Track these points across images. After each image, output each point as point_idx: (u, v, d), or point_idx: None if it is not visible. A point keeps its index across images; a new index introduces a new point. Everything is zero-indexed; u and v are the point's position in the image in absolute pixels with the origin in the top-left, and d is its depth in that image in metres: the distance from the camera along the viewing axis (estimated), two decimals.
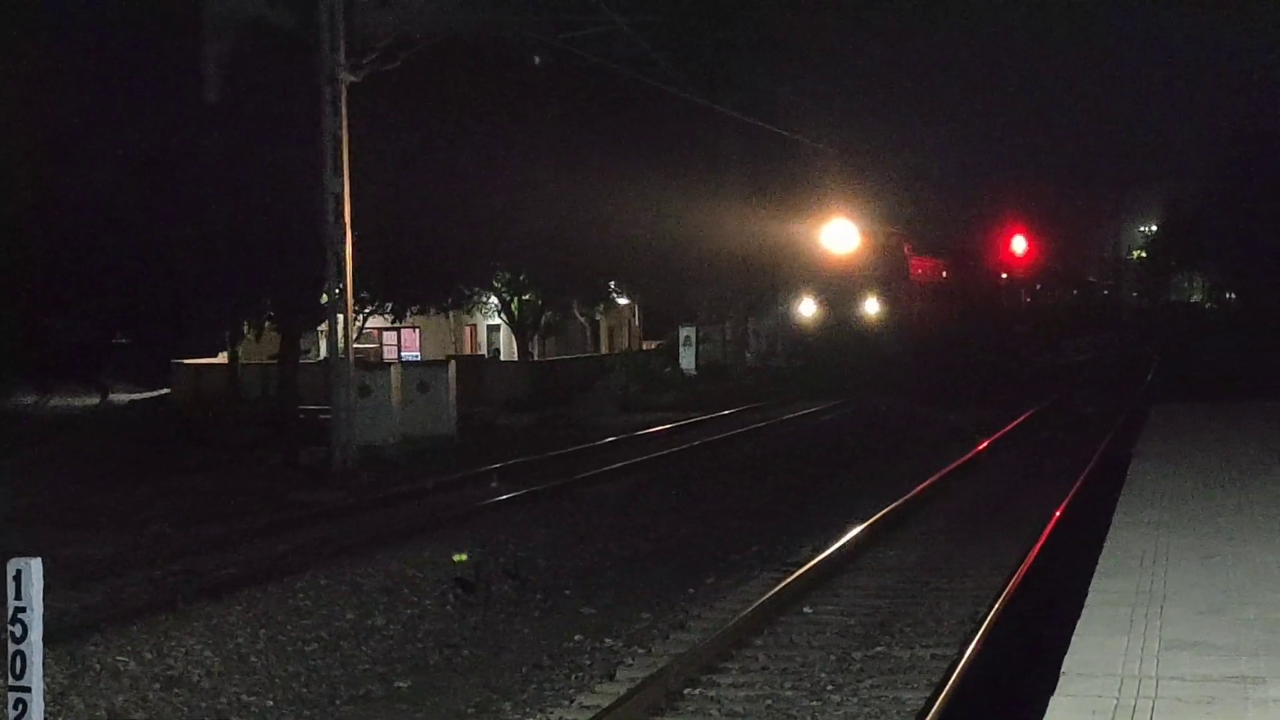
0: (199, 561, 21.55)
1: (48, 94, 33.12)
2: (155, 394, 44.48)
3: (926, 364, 61.32)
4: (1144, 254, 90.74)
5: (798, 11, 67.62)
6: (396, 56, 33.73)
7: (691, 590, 20.61)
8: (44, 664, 11.68)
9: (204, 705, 15.36)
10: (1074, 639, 11.48)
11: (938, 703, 14.22)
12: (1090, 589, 13.30)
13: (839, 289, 65.20)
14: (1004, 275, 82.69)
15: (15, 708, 11.65)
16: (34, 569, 11.73)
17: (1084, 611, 12.40)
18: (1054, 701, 9.79)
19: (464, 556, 22.10)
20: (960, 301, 72.87)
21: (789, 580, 20.01)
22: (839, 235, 62.92)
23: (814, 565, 21.08)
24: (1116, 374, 68.40)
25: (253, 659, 16.71)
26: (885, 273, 64.51)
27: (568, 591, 20.73)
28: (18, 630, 11.53)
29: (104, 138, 34.70)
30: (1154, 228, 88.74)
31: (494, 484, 31.31)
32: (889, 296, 64.97)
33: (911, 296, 67.04)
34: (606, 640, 17.85)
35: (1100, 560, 14.67)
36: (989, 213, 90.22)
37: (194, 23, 38.38)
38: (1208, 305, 75.13)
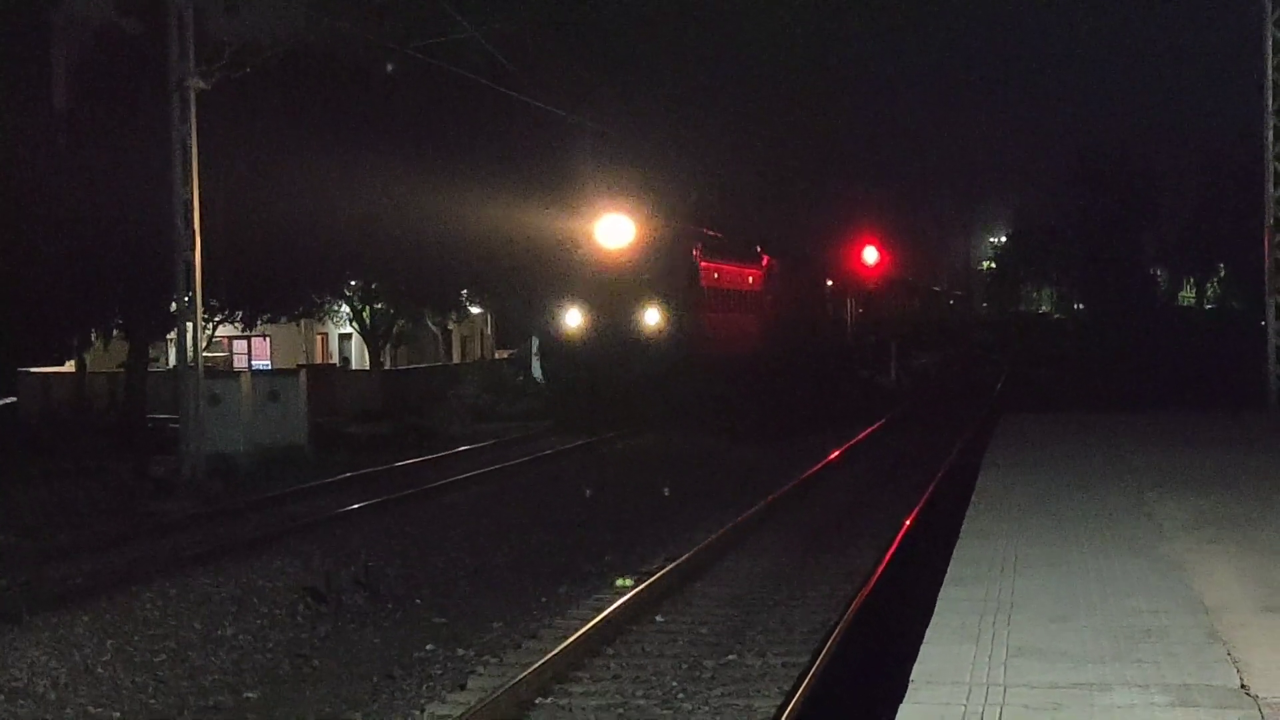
0: (43, 571, 21.30)
1: None
2: (1, 402, 43.99)
3: (726, 385, 50.34)
4: (993, 264, 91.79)
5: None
6: (245, 63, 33.53)
7: (544, 599, 20.59)
8: None
9: (49, 717, 15.21)
10: (923, 647, 11.39)
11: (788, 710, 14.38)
12: (939, 597, 13.27)
13: (600, 293, 50.51)
14: (830, 283, 73.82)
15: None
16: None
17: (933, 619, 12.37)
18: (903, 710, 9.69)
19: None
20: (771, 313, 59.92)
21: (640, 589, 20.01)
22: (606, 229, 50.99)
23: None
24: (961, 387, 65.29)
25: (99, 670, 16.50)
26: (663, 276, 50.38)
27: (419, 601, 20.72)
28: None
29: None
30: (1003, 239, 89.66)
31: (343, 493, 31.21)
32: (669, 304, 50.26)
33: (700, 306, 52.32)
34: (458, 650, 17.83)
35: (949, 569, 14.68)
36: (825, 217, 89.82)
37: (41, 30, 38.04)
38: (1055, 316, 76.10)
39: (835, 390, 62.36)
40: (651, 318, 46.13)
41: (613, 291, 45.95)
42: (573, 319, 48.28)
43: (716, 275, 51.03)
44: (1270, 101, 31.37)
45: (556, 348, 48.53)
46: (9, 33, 36.20)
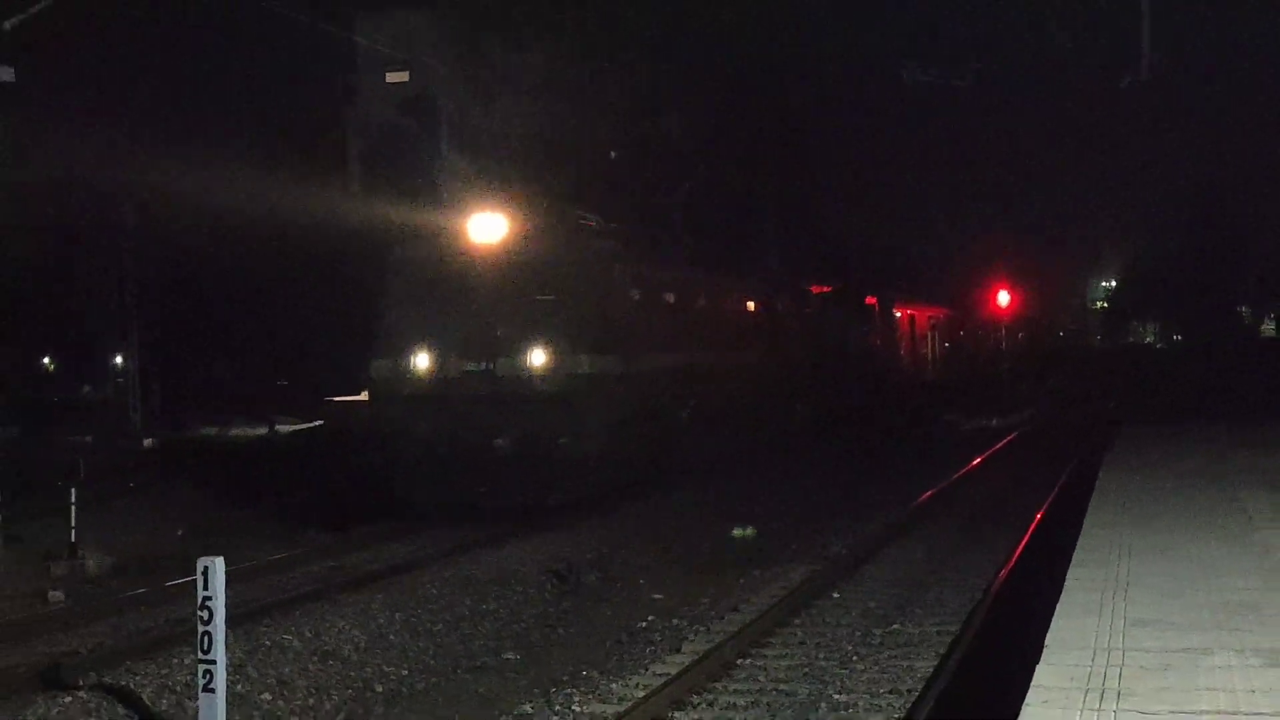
0: (347, 560, 21.73)
1: None
2: (311, 425, 44.62)
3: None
4: (1105, 304, 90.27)
5: None
6: None
7: (742, 580, 20.43)
8: (225, 642, 12.27)
9: (353, 675, 15.57)
10: (1054, 619, 11.43)
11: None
12: (1068, 577, 13.30)
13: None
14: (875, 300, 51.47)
15: (204, 677, 12.28)
16: (218, 566, 12.42)
17: (1062, 596, 12.38)
18: (1039, 670, 9.79)
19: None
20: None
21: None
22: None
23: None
24: (1084, 403, 56.61)
25: (391, 637, 16.89)
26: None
27: (642, 582, 20.67)
28: (205, 615, 12.19)
29: None
30: (1114, 283, 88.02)
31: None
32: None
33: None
34: (673, 620, 17.98)
35: (1075, 554, 14.70)
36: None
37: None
38: (1157, 345, 74.74)
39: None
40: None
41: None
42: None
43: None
44: None
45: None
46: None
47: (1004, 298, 70.80)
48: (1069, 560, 14.30)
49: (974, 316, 68.59)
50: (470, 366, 23.11)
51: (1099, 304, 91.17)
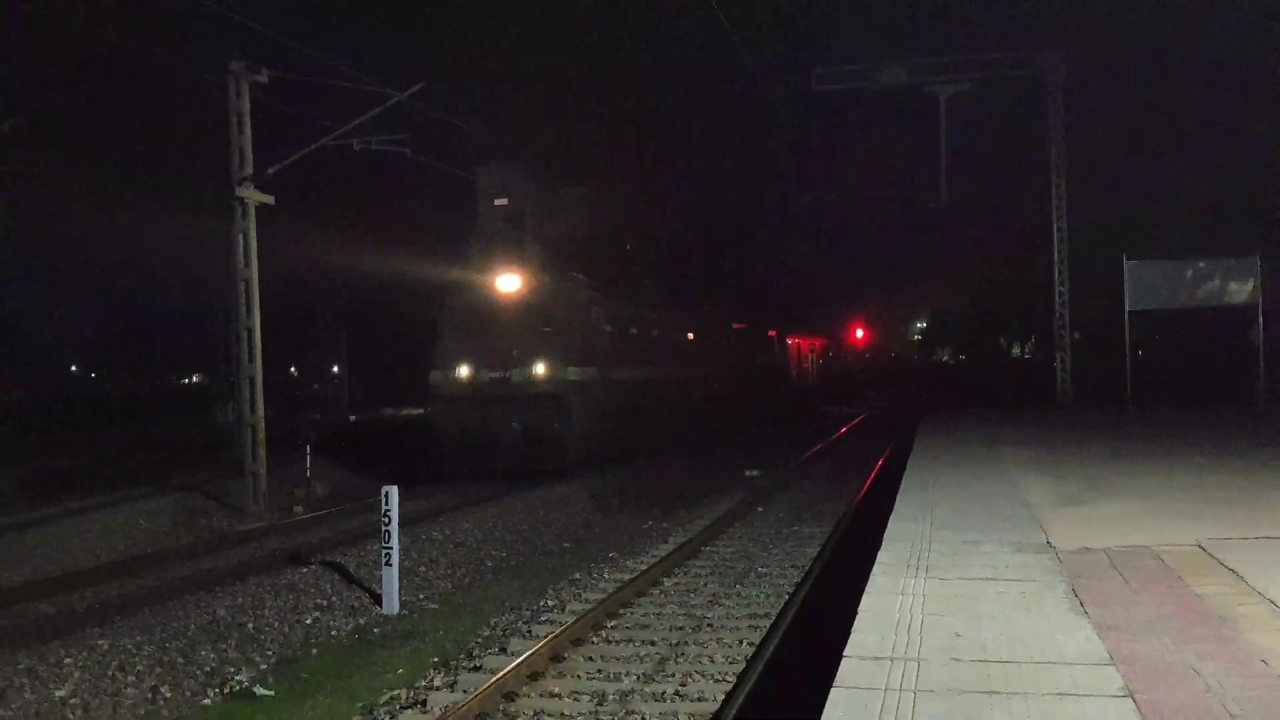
0: (465, 491, 21.14)
1: None
2: (417, 411, 43.94)
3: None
4: (919, 337, 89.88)
5: None
6: None
7: (705, 501, 20.62)
8: (397, 536, 12.61)
9: (473, 556, 15.67)
10: (889, 525, 11.49)
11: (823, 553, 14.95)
12: (896, 500, 13.29)
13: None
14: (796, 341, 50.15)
15: (384, 557, 12.66)
16: (393, 491, 12.81)
17: (893, 511, 12.40)
18: (881, 554, 9.88)
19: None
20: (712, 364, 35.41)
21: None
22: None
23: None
24: (901, 404, 52.66)
25: (496, 533, 17.06)
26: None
27: (645, 503, 20.42)
28: (385, 520, 12.62)
29: None
30: (923, 324, 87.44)
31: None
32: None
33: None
34: (664, 524, 18.24)
35: (900, 487, 14.73)
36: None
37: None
38: (950, 362, 74.53)
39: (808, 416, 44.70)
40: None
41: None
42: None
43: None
44: (1059, 207, 30.57)
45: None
46: None
47: (859, 332, 71.16)
48: (897, 489, 14.33)
49: (842, 344, 68.41)
50: (494, 375, 22.56)
51: (916, 336, 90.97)
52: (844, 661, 6.75)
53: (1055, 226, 30.35)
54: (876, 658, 6.81)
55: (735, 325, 39.16)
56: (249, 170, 19.01)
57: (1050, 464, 16.70)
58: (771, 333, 44.41)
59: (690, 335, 32.66)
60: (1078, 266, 30.86)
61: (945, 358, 78.00)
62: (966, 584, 8.72)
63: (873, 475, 22.63)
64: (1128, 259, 27.86)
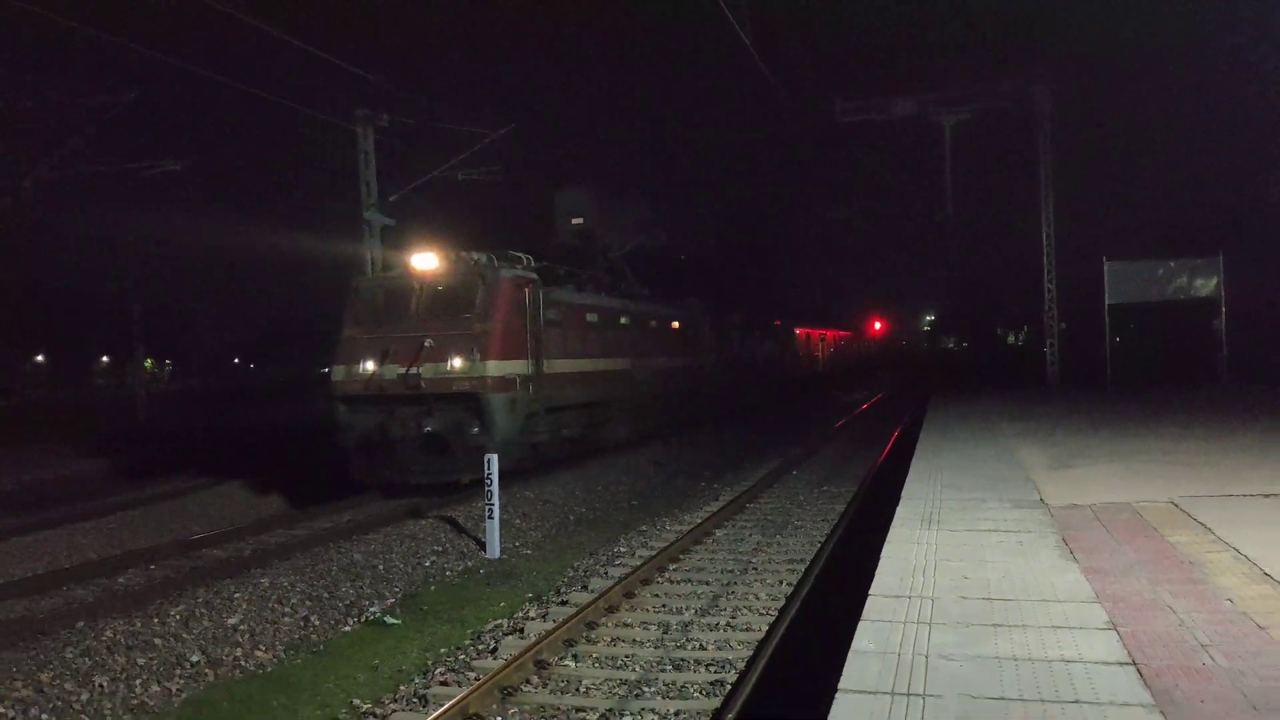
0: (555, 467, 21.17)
1: None
2: None
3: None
4: (928, 327, 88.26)
5: None
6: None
7: (748, 465, 20.43)
8: (498, 495, 12.72)
9: (558, 511, 15.64)
10: (905, 485, 11.32)
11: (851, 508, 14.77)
12: (911, 465, 13.09)
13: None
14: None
15: (487, 511, 12.74)
16: (494, 458, 12.89)
17: (908, 474, 12.20)
18: (899, 510, 9.78)
19: None
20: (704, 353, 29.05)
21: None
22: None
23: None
24: (914, 385, 49.51)
25: (576, 492, 16.95)
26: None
27: (699, 468, 20.36)
28: (488, 481, 12.72)
29: None
30: (932, 315, 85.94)
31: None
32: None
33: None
34: (715, 485, 18.06)
35: (915, 453, 14.69)
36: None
37: None
38: (954, 349, 73.13)
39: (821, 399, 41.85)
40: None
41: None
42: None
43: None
44: (1047, 218, 30.04)
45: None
46: None
47: (877, 324, 70.38)
48: (911, 456, 14.14)
49: (863, 334, 67.28)
50: (402, 371, 15.96)
51: (925, 328, 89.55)
52: (869, 599, 6.75)
53: (1045, 233, 29.84)
54: (897, 596, 6.80)
55: (734, 314, 34.46)
56: (374, 198, 19.25)
57: (1041, 435, 16.38)
58: (777, 323, 42.43)
59: (676, 324, 26.02)
60: (1063, 266, 30.34)
61: (951, 345, 76.81)
62: (972, 534, 8.65)
63: (889, 445, 22.36)
64: (1107, 259, 27.41)
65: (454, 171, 20.39)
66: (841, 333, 55.66)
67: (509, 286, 16.73)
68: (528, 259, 18.28)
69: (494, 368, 16.06)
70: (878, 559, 7.84)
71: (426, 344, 15.97)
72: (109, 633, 9.00)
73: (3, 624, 9.51)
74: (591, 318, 19.92)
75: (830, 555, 11.80)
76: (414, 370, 16.00)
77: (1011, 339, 66.86)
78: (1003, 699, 4.97)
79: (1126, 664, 5.36)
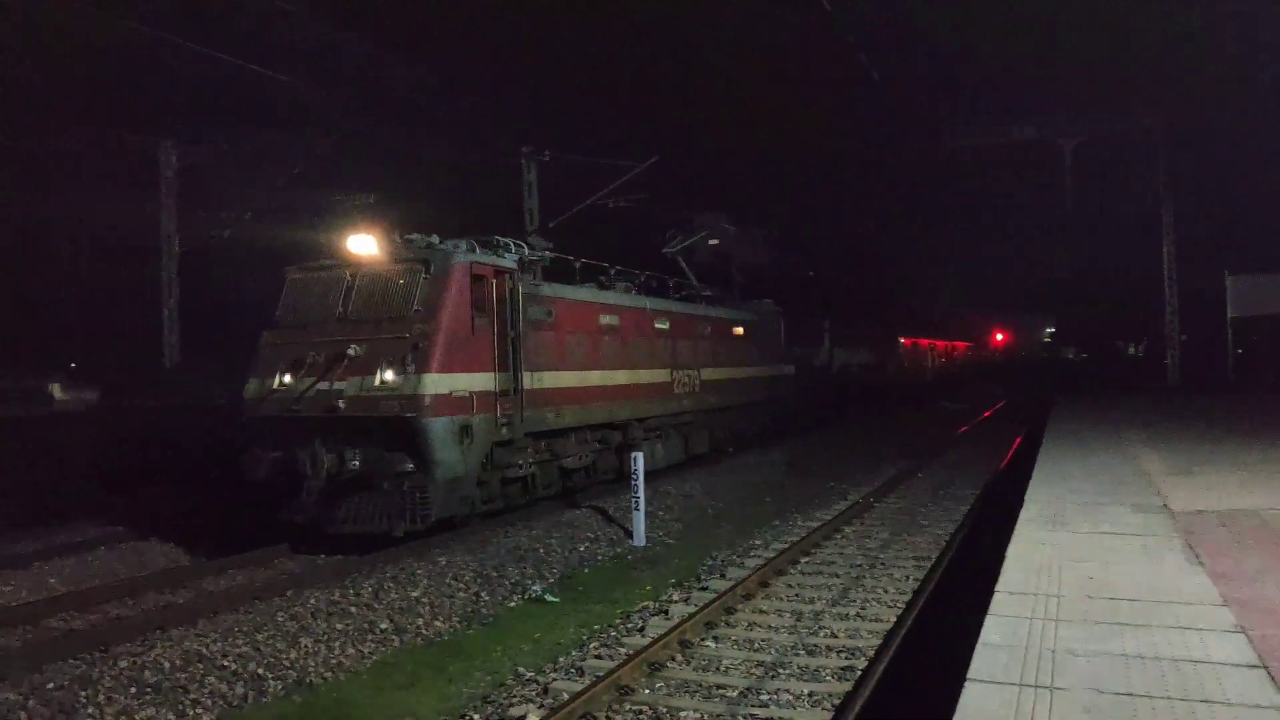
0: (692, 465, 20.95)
1: None
2: None
3: None
4: (1048, 339, 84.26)
5: None
6: None
7: (874, 469, 19.76)
8: (643, 489, 12.74)
9: (697, 504, 15.57)
10: (1029, 488, 10.89)
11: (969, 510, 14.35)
12: (1034, 470, 12.62)
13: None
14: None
15: (634, 503, 12.79)
16: (640, 456, 12.95)
17: (1032, 478, 11.75)
18: (1022, 511, 9.45)
19: None
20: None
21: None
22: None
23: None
24: (1035, 389, 45.72)
25: (714, 488, 16.81)
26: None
27: (824, 471, 19.51)
28: (634, 476, 12.73)
29: None
30: (1052, 329, 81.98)
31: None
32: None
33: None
34: (841, 486, 17.63)
35: (1038, 459, 14.09)
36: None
37: None
38: (1074, 359, 69.50)
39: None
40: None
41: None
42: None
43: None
44: (1168, 233, 28.20)
45: None
46: None
47: (999, 336, 67.83)
48: (1034, 462, 13.60)
49: (982, 344, 64.80)
50: (322, 386, 11.25)
51: (1045, 339, 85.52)
52: (996, 595, 6.52)
53: (1165, 250, 28.19)
54: (1023, 593, 6.55)
55: (823, 319, 32.22)
56: (535, 224, 19.77)
57: (1163, 442, 15.57)
58: (880, 331, 40.23)
59: (740, 329, 21.14)
60: (1183, 278, 28.61)
61: (1071, 355, 73.22)
62: (1096, 537, 8.25)
63: (1010, 451, 21.50)
64: (1229, 273, 25.70)
65: (605, 200, 20.73)
66: (959, 343, 53.47)
67: (462, 275, 11.68)
68: (518, 245, 13.61)
69: (434, 382, 11.06)
70: (1002, 558, 7.57)
71: (350, 352, 11.22)
72: (312, 601, 9.51)
73: (224, 591, 10.17)
74: (608, 320, 15.29)
75: (955, 553, 11.44)
76: (333, 385, 11.22)
77: (1131, 350, 63.24)
78: (1130, 695, 4.73)
79: (1257, 666, 5.02)
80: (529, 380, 12.94)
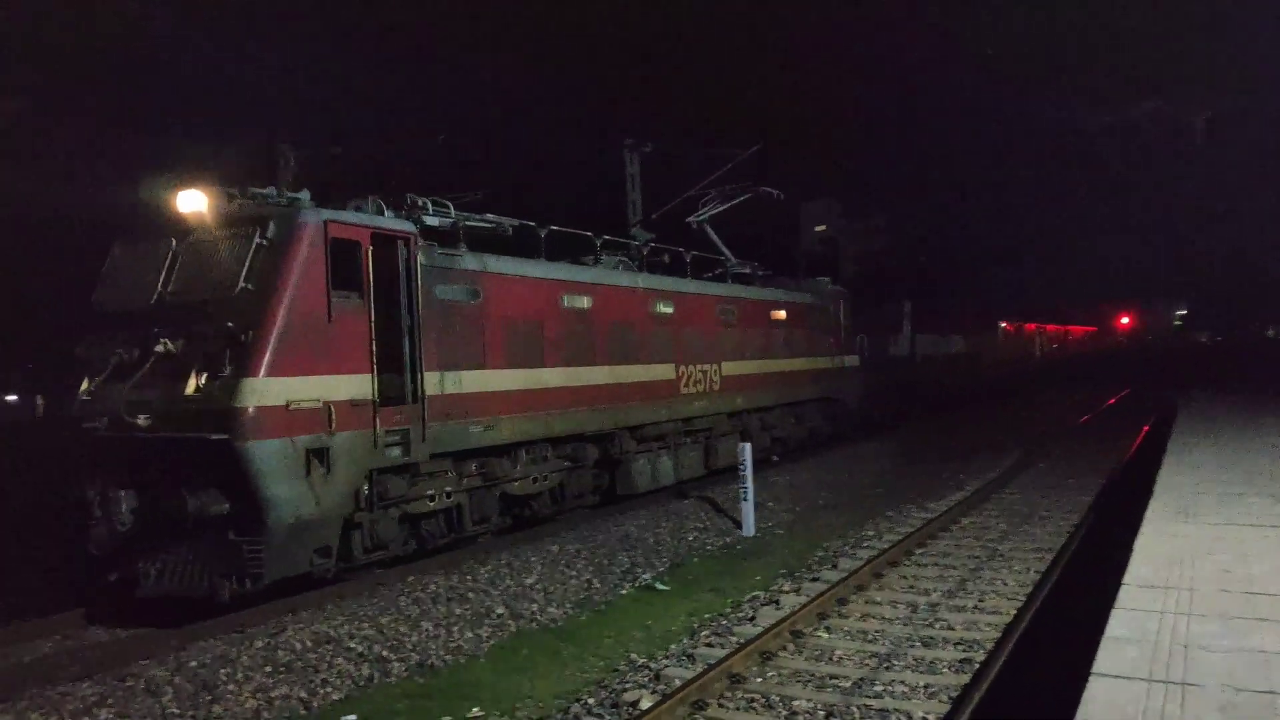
0: (797, 458, 20.05)
1: None
2: None
3: None
4: (1180, 322, 79.88)
5: None
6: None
7: (981, 459, 18.99)
8: (752, 478, 12.71)
9: (806, 495, 15.48)
10: (1159, 476, 10.71)
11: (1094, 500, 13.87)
12: (1163, 460, 12.27)
13: None
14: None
15: (742, 493, 12.80)
16: (748, 446, 12.92)
17: (1161, 469, 11.46)
18: (1151, 504, 9.19)
19: None
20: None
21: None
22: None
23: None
24: (1164, 376, 42.80)
25: (822, 479, 16.75)
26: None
27: (942, 461, 19.20)
28: (742, 467, 12.73)
29: None
30: (1184, 311, 77.55)
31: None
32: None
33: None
34: (960, 476, 17.10)
35: (1168, 447, 13.61)
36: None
37: None
38: (1208, 343, 65.70)
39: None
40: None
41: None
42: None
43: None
44: None
45: None
46: None
47: (1124, 320, 64.96)
48: (1164, 450, 13.10)
49: (1106, 329, 62.12)
50: (134, 397, 8.23)
51: (1177, 323, 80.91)
52: (1123, 588, 6.30)
53: None
54: (1152, 586, 6.30)
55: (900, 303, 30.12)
56: (639, 216, 19.90)
57: None
58: (975, 317, 38.45)
59: (783, 314, 18.14)
60: None
61: (1204, 339, 69.31)
62: (1232, 528, 7.86)
63: (1138, 440, 20.55)
64: None
65: (708, 189, 20.69)
66: (1075, 328, 51.24)
67: (314, 240, 8.55)
68: (440, 207, 10.47)
69: (260, 390, 8.07)
70: (1129, 550, 7.29)
71: (159, 349, 8.36)
72: (432, 587, 9.88)
73: (356, 577, 10.65)
74: (575, 303, 12.16)
75: (1078, 546, 11.05)
76: (134, 395, 8.32)
77: (1271, 333, 59.46)
78: (1270, 693, 4.51)
79: None
80: (439, 383, 9.78)
